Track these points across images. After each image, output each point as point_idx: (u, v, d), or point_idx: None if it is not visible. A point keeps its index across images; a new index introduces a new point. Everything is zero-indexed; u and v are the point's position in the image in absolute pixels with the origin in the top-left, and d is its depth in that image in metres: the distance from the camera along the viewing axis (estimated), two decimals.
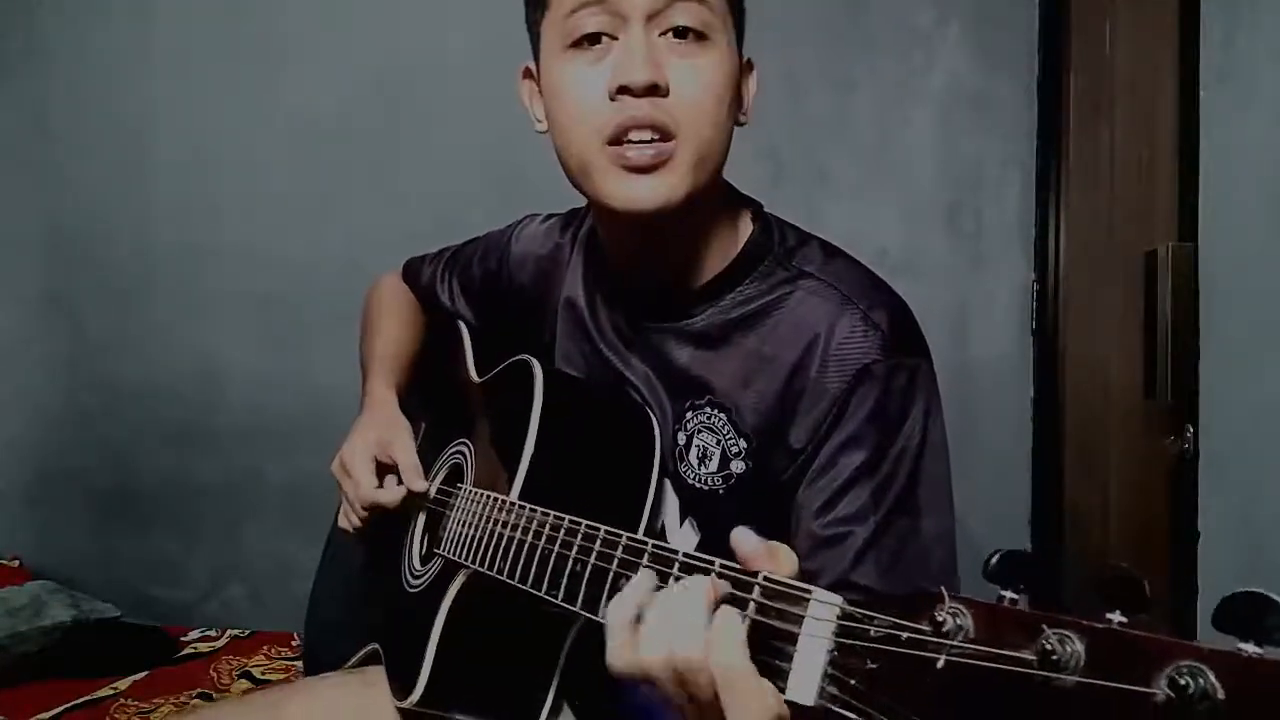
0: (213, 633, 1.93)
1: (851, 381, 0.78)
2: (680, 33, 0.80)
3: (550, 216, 1.10)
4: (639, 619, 0.58)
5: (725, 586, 0.54)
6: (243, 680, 1.72)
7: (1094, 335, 1.79)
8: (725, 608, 0.54)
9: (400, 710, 0.86)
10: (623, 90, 0.78)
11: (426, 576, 0.91)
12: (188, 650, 1.84)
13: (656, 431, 0.87)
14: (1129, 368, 1.53)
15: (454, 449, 0.99)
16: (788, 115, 2.02)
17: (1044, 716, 0.37)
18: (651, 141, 0.79)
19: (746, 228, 0.90)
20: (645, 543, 0.62)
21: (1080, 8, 1.87)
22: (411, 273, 1.25)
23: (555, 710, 0.86)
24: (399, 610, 0.94)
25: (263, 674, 1.73)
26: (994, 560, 0.41)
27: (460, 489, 0.90)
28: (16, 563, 2.12)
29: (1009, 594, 0.41)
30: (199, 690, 1.68)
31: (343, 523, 1.02)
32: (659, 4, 0.79)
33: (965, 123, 2.00)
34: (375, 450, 0.99)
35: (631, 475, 0.84)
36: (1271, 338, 1.17)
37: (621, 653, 0.58)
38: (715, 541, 0.63)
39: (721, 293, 0.87)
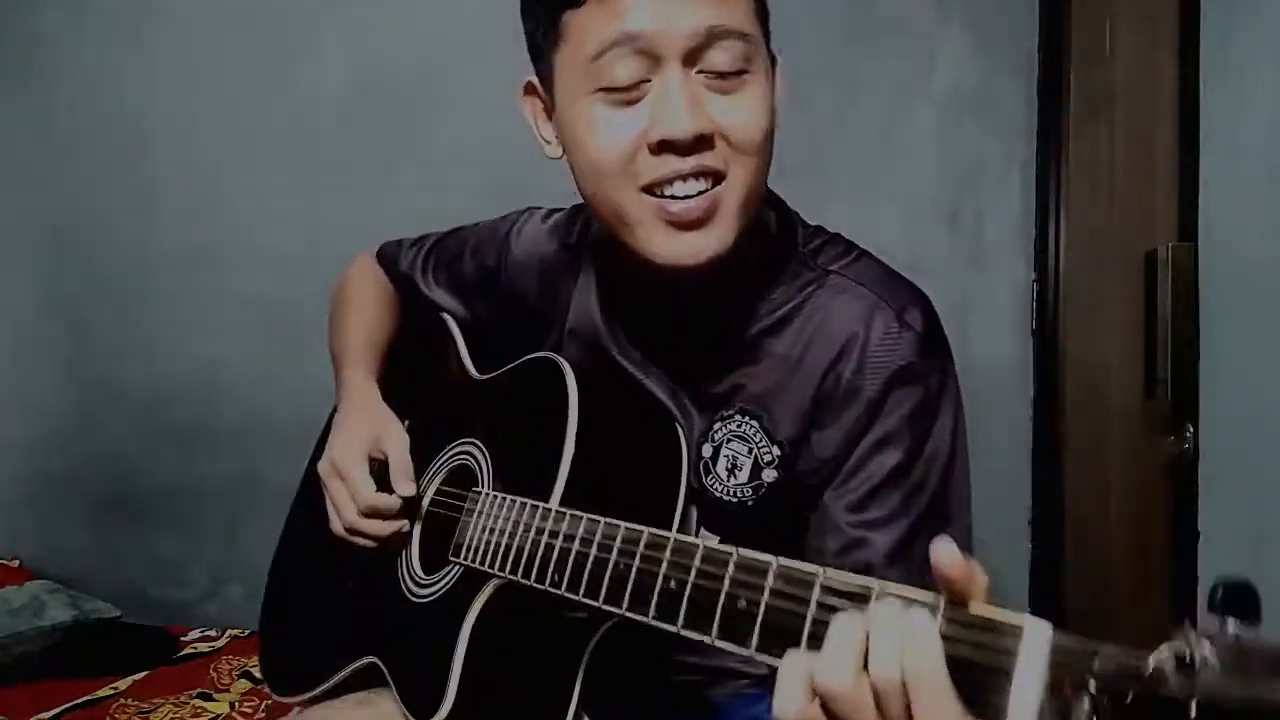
0: (213, 633, 1.94)
1: (887, 383, 0.76)
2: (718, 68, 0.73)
3: (553, 213, 1.04)
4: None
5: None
6: (243, 680, 1.72)
7: (1094, 335, 1.79)
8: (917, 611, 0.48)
9: None
10: (665, 146, 0.72)
11: (439, 585, 0.86)
12: (188, 650, 1.85)
13: (682, 436, 0.84)
14: (1129, 368, 1.53)
15: (456, 450, 0.94)
16: (789, 114, 2.00)
17: None
18: (701, 194, 0.73)
19: (769, 220, 0.87)
20: (769, 562, 0.55)
21: (1080, 8, 1.87)
22: (388, 258, 1.15)
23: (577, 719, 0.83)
24: (402, 622, 0.89)
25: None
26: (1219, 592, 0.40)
27: (476, 493, 0.85)
28: (16, 563, 2.13)
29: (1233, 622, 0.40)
30: (199, 690, 1.68)
31: (335, 528, 0.93)
32: (697, 41, 0.71)
33: (965, 123, 2.00)
34: (367, 446, 0.92)
35: (663, 480, 0.82)
36: (1271, 337, 1.17)
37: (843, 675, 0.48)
38: None
39: (749, 300, 0.83)
